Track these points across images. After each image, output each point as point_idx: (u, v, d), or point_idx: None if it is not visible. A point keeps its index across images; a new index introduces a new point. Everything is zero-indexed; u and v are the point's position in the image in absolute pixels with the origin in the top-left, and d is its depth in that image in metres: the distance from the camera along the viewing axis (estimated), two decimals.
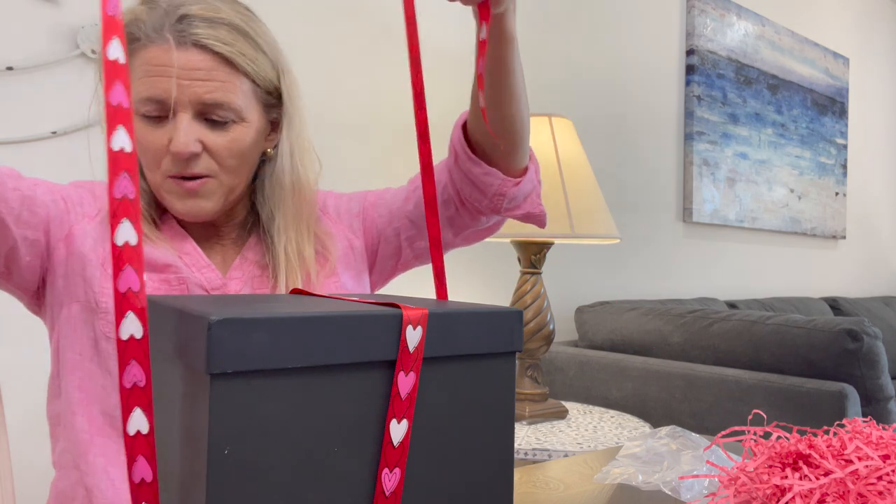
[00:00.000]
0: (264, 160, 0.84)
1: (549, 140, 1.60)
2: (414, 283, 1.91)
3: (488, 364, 0.42)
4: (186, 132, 0.72)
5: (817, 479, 0.51)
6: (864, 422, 0.58)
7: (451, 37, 2.03)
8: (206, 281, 0.79)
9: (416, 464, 0.39)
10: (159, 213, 0.81)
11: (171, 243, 0.80)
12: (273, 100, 0.80)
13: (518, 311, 0.43)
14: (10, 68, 1.30)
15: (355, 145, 1.83)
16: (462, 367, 0.41)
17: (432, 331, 0.39)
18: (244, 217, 0.86)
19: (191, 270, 0.78)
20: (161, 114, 0.73)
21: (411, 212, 0.88)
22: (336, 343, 0.36)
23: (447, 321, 0.40)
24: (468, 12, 2.06)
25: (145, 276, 0.76)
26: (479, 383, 0.42)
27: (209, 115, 0.74)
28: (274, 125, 0.83)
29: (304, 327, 0.35)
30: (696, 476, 0.65)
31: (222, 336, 0.32)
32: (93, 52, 1.38)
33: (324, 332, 0.35)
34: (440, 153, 2.01)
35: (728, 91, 2.93)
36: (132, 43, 0.73)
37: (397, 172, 1.91)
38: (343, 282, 0.86)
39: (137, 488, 0.33)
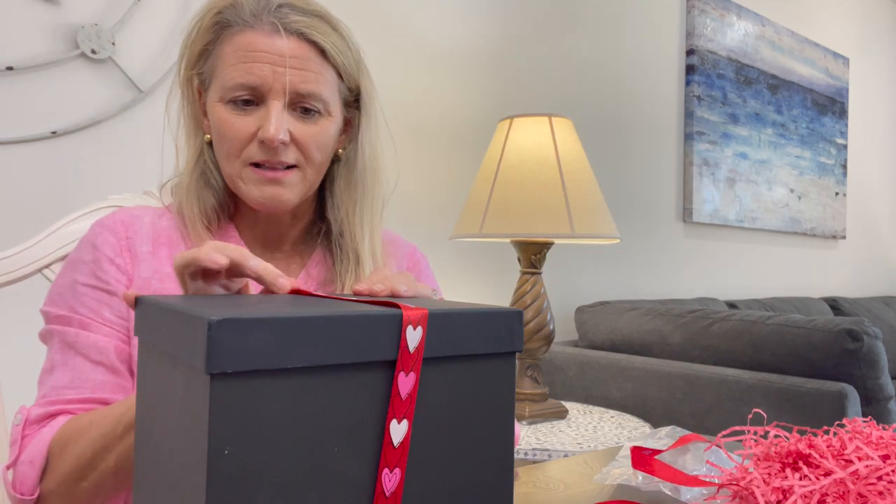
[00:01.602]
0: (335, 161, 0.82)
1: (549, 140, 1.60)
2: None
3: (488, 364, 0.42)
4: (278, 120, 0.71)
5: (817, 479, 0.51)
6: (864, 422, 0.58)
7: (452, 37, 2.03)
8: None
9: (417, 464, 0.39)
10: (219, 223, 0.80)
11: None
12: (351, 98, 0.80)
13: (518, 311, 0.43)
14: (10, 68, 1.30)
15: None
16: (462, 367, 0.40)
17: (432, 331, 0.39)
18: (309, 223, 0.84)
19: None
20: (252, 100, 0.72)
21: None
22: (336, 343, 0.36)
23: (447, 321, 0.40)
24: (470, 12, 2.06)
25: None
26: (480, 383, 0.41)
27: (300, 104, 0.73)
28: (346, 125, 0.82)
29: (304, 327, 0.35)
30: (697, 476, 0.65)
31: (222, 336, 0.32)
32: (93, 52, 1.38)
33: (324, 333, 0.35)
34: (441, 152, 2.01)
35: (728, 91, 2.93)
36: (224, 29, 0.73)
37: (392, 173, 1.91)
38: None
39: None
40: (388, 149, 0.87)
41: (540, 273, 1.64)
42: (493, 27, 2.13)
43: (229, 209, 0.81)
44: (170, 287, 0.75)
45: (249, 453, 0.33)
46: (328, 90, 0.74)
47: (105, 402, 0.70)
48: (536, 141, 1.60)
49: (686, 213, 2.78)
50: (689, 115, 2.78)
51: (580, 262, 2.40)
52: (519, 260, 1.66)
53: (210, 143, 0.78)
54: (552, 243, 1.65)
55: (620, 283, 2.55)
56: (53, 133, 1.35)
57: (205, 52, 0.75)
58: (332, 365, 0.36)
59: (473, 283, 2.08)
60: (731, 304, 2.62)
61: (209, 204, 0.78)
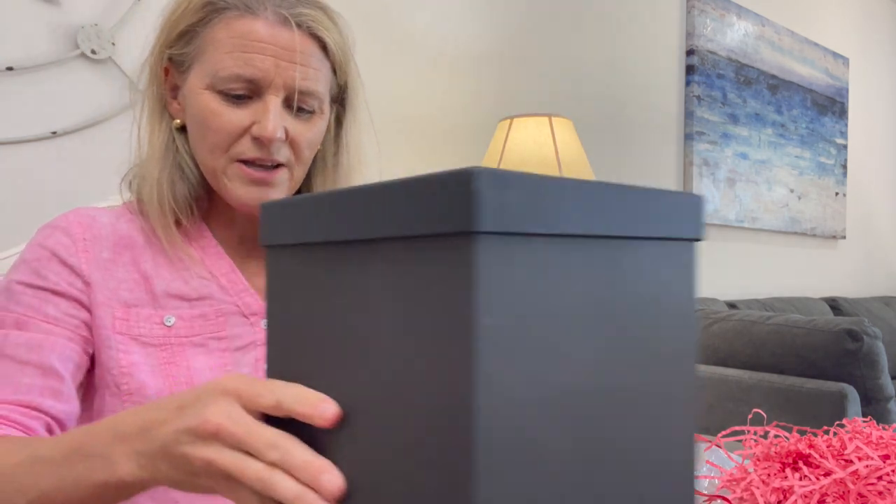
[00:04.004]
0: (315, 156, 0.77)
1: (549, 140, 1.60)
2: None
3: (673, 249, 0.37)
4: (278, 117, 0.66)
5: (817, 479, 0.51)
6: (864, 422, 0.59)
7: (453, 36, 2.03)
8: (243, 306, 0.72)
9: (610, 360, 0.35)
10: (194, 220, 0.74)
11: (204, 264, 0.72)
12: (338, 93, 0.75)
13: (700, 197, 0.39)
14: (10, 68, 1.30)
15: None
16: (649, 250, 0.36)
17: (620, 206, 0.35)
18: None
19: (227, 294, 0.72)
20: (247, 94, 0.67)
21: None
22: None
23: (634, 198, 0.35)
24: (471, 12, 2.06)
25: (175, 314, 0.70)
26: (664, 270, 0.36)
27: (297, 102, 0.68)
28: None
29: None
30: (696, 477, 0.65)
31: (483, 189, 0.27)
32: (93, 52, 1.38)
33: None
34: (441, 152, 2.01)
35: (728, 91, 2.93)
36: (220, 12, 0.66)
37: (392, 173, 1.91)
38: None
39: None
40: (372, 146, 0.83)
41: None
42: (494, 27, 2.13)
43: (204, 205, 0.75)
44: (141, 296, 0.69)
45: (513, 319, 0.29)
46: (324, 87, 0.70)
47: (30, 406, 0.62)
48: (536, 141, 1.60)
49: None
50: (689, 115, 2.78)
51: None
52: None
53: (181, 129, 0.72)
54: None
55: None
56: (53, 133, 1.35)
57: (188, 32, 0.68)
58: (580, 235, 0.32)
59: None
60: (731, 304, 2.62)
61: (182, 197, 0.71)
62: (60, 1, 1.36)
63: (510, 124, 1.64)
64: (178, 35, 0.69)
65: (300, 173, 0.72)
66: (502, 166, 1.60)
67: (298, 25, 0.66)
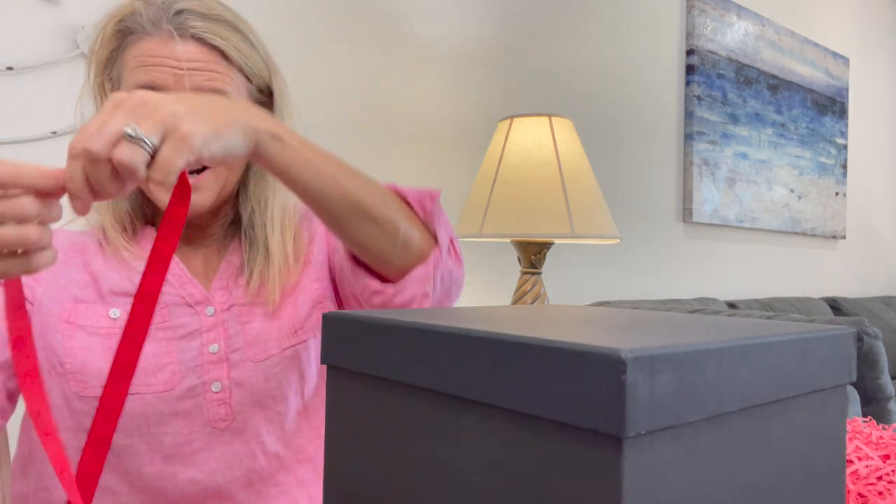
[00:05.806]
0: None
1: (549, 140, 1.60)
2: None
3: (818, 400, 0.34)
4: None
5: None
6: (864, 422, 0.58)
7: (452, 36, 2.03)
8: (188, 296, 0.77)
9: None
10: (134, 227, 0.80)
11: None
12: (263, 98, 0.80)
13: (851, 332, 0.36)
14: (10, 68, 1.30)
15: (351, 145, 1.83)
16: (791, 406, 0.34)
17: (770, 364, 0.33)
18: (231, 217, 0.84)
19: (171, 287, 0.77)
20: None
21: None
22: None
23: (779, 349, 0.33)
24: (470, 12, 2.06)
25: (120, 308, 0.75)
26: (809, 423, 0.34)
27: None
28: None
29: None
30: None
31: (638, 382, 0.24)
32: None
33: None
34: (441, 152, 2.01)
35: (728, 91, 2.93)
36: (127, 36, 0.73)
37: (392, 173, 1.91)
38: (324, 294, 0.82)
39: None
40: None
41: (540, 273, 1.64)
42: (494, 27, 2.13)
43: (146, 212, 0.81)
44: (89, 294, 0.75)
45: None
46: (236, 92, 0.74)
47: None
48: (536, 141, 1.60)
49: (686, 213, 2.78)
50: (689, 115, 2.78)
51: (580, 262, 2.40)
52: (519, 260, 1.66)
53: None
54: (552, 243, 1.65)
55: (620, 283, 2.55)
56: (53, 133, 1.35)
57: (111, 58, 0.75)
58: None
59: (473, 283, 2.08)
60: (731, 304, 2.62)
61: (123, 208, 0.78)
62: (60, 1, 1.36)
63: (510, 124, 1.64)
64: (105, 62, 0.75)
65: (228, 174, 0.76)
66: (502, 166, 1.60)
67: (189, 37, 0.71)
